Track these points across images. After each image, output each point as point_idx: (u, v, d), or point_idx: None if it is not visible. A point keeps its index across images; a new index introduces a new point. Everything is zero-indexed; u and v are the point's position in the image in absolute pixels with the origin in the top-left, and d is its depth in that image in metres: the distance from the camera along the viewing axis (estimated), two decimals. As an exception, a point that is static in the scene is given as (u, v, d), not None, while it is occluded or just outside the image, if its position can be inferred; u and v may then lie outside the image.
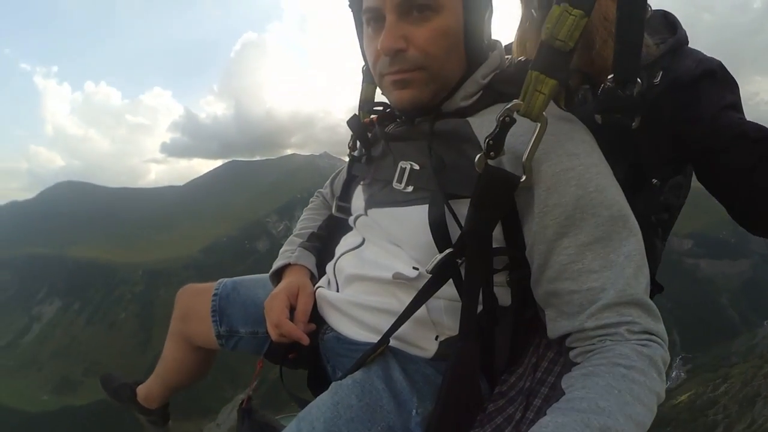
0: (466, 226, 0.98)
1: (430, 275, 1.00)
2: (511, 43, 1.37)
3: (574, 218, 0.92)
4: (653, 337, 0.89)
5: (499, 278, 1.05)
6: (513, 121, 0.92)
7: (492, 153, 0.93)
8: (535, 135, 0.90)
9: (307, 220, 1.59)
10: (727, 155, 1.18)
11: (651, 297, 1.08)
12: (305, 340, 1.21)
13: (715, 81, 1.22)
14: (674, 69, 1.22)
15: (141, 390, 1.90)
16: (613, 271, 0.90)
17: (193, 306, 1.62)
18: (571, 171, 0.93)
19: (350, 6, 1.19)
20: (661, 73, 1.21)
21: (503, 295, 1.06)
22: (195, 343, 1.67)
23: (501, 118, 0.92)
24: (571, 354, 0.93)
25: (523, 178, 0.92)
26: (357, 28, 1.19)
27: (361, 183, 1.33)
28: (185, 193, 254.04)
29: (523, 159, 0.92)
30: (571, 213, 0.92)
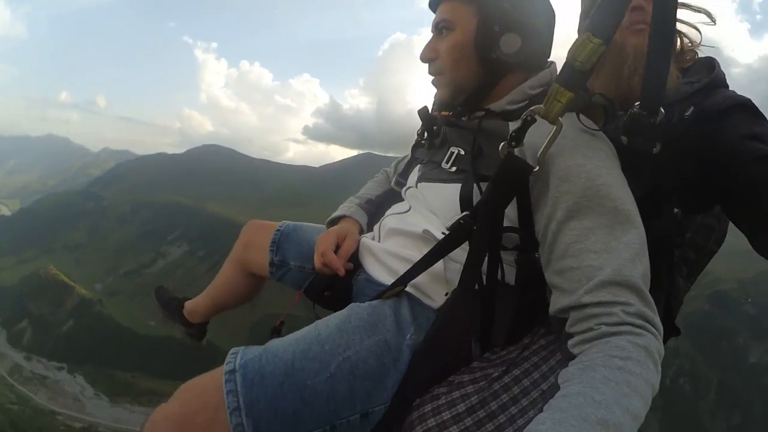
0: (482, 197, 1.17)
1: (448, 233, 1.21)
2: None
3: (581, 205, 1.05)
4: (647, 325, 0.95)
5: (508, 257, 1.22)
6: (534, 120, 1.09)
7: (513, 143, 1.11)
8: (550, 135, 1.07)
9: (368, 189, 1.89)
10: (747, 179, 1.20)
11: (666, 340, 1.24)
12: (341, 271, 1.47)
13: (742, 113, 1.26)
14: (704, 104, 1.31)
15: (188, 305, 2.18)
16: (612, 255, 0.99)
17: (256, 237, 1.85)
18: (583, 166, 1.07)
19: None
20: (692, 108, 1.30)
21: (509, 273, 1.23)
22: (249, 269, 1.91)
23: (524, 117, 1.10)
24: (570, 343, 0.98)
25: (536, 168, 1.08)
26: None
27: (420, 163, 1.58)
28: (319, 175, 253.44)
29: (539, 153, 1.08)
30: (579, 200, 1.05)
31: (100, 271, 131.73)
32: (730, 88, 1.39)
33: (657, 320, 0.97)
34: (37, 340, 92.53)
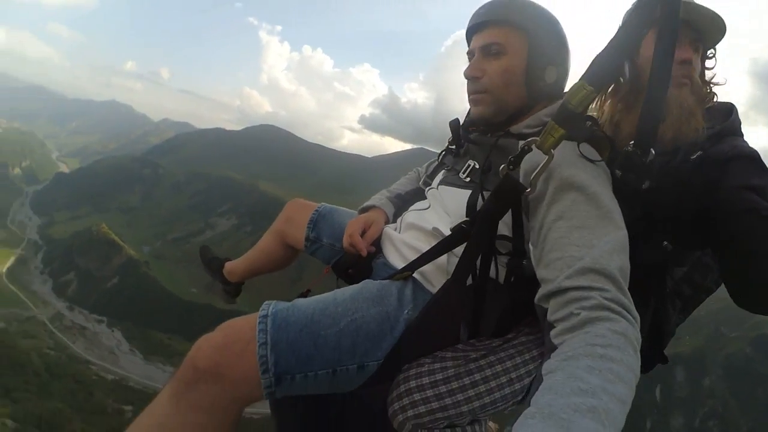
0: (481, 207, 1.35)
1: (450, 233, 1.41)
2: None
3: (571, 208, 1.17)
4: (624, 312, 1.01)
5: (502, 261, 1.39)
6: (530, 149, 1.26)
7: (511, 166, 1.28)
8: (542, 164, 1.20)
9: (399, 184, 2.09)
10: (729, 229, 1.25)
11: (653, 367, 1.50)
12: (363, 252, 1.67)
13: (745, 163, 1.28)
14: (710, 151, 1.35)
15: (228, 265, 2.42)
16: (592, 249, 1.09)
17: (297, 214, 2.06)
18: (577, 176, 1.20)
19: (467, 53, 1.64)
20: (699, 153, 1.35)
21: (501, 274, 1.40)
22: (287, 241, 2.12)
23: (523, 146, 1.27)
24: (552, 334, 1.04)
25: (528, 189, 1.23)
26: None
27: (445, 168, 1.75)
28: (371, 165, 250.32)
29: (531, 177, 1.22)
30: (569, 204, 1.18)
31: (150, 235, 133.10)
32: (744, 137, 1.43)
33: (633, 309, 1.04)
34: (81, 292, 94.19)
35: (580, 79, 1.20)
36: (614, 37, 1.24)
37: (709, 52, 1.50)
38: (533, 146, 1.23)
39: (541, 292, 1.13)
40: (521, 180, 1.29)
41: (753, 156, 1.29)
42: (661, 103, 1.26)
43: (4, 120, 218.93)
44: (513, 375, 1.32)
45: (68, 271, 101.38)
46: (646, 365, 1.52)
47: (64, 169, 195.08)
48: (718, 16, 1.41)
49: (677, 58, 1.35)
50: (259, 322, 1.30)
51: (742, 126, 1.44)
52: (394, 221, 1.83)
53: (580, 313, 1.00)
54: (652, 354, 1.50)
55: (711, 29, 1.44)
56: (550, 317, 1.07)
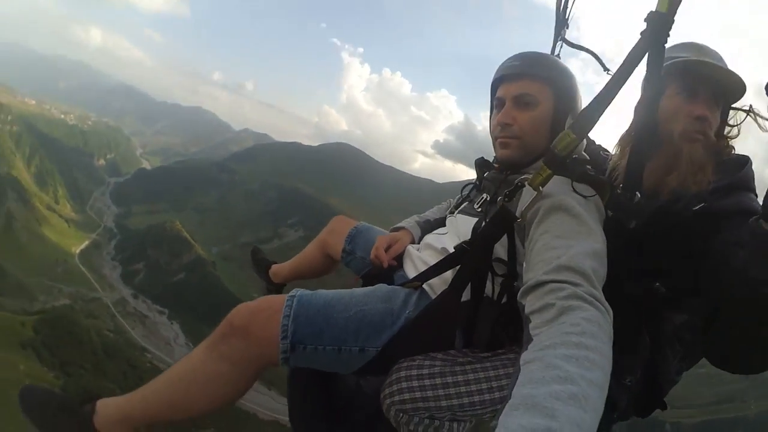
0: (480, 230, 1.59)
1: (454, 251, 1.63)
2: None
3: (555, 223, 1.35)
4: (596, 302, 1.09)
5: (497, 280, 1.57)
6: (523, 185, 1.48)
7: (506, 198, 1.50)
8: (532, 198, 1.41)
9: (431, 212, 2.34)
10: (716, 283, 1.33)
11: (649, 412, 1.64)
12: (385, 264, 1.92)
13: (745, 220, 1.27)
14: (714, 205, 1.40)
15: (274, 267, 2.69)
16: (570, 250, 1.23)
17: (339, 228, 2.31)
18: (564, 201, 1.38)
19: (491, 98, 1.87)
20: (702, 205, 1.41)
21: (496, 292, 1.58)
22: (327, 251, 2.36)
23: (516, 182, 1.53)
24: (530, 327, 1.10)
25: (519, 219, 1.45)
26: (491, 109, 1.88)
27: (466, 200, 1.97)
28: (441, 191, 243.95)
29: (522, 209, 1.45)
30: (555, 221, 1.36)
31: (220, 237, 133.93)
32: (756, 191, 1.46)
33: (605, 302, 1.12)
34: (147, 282, 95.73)
35: (566, 129, 1.38)
36: (599, 92, 1.37)
37: (729, 110, 1.58)
38: (526, 183, 1.45)
39: (522, 289, 1.23)
40: (517, 211, 1.49)
41: (755, 212, 1.28)
42: (645, 153, 1.44)
43: (94, 114, 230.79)
44: (494, 384, 1.45)
45: (138, 261, 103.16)
46: (643, 409, 1.64)
47: (146, 165, 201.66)
48: (737, 75, 1.50)
49: (692, 113, 1.49)
50: (287, 299, 1.53)
51: (755, 179, 1.48)
52: (419, 242, 2.06)
53: (555, 303, 1.08)
54: (650, 398, 1.59)
55: (731, 87, 1.53)
56: (528, 310, 1.14)
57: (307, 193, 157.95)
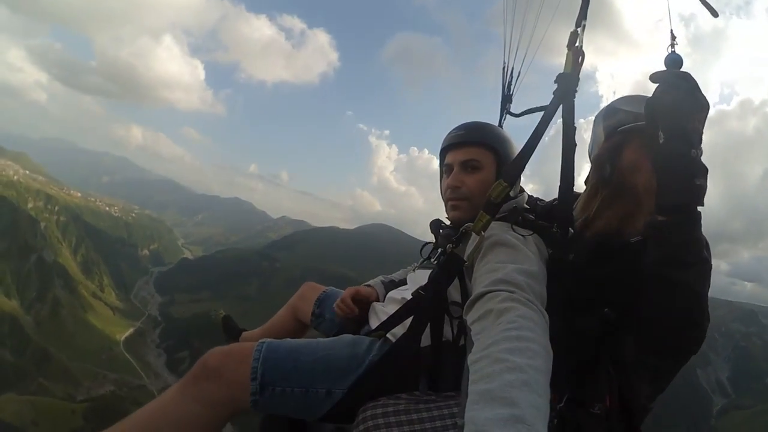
0: (430, 278, 1.76)
1: (411, 297, 1.80)
2: None
3: (495, 253, 1.51)
4: (529, 303, 1.23)
5: (455, 323, 1.69)
6: (468, 233, 1.61)
7: (453, 245, 1.64)
8: (475, 243, 1.58)
9: (396, 274, 2.52)
10: (645, 301, 1.43)
11: None
12: (348, 311, 2.13)
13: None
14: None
15: (245, 334, 2.73)
16: (506, 267, 1.38)
17: (309, 294, 2.48)
18: (502, 237, 1.56)
19: (440, 164, 2.11)
20: (638, 237, 1.56)
21: (453, 334, 1.70)
22: (297, 316, 2.52)
23: (462, 230, 1.64)
24: (472, 333, 1.22)
25: (466, 262, 1.60)
26: (440, 175, 2.12)
27: (426, 259, 2.21)
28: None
29: (468, 252, 1.62)
30: (495, 253, 1.51)
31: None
32: None
33: (540, 306, 1.27)
34: None
35: (499, 178, 1.58)
36: (522, 146, 1.64)
37: None
38: (469, 230, 1.60)
39: (465, 305, 1.37)
40: (465, 255, 1.64)
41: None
42: (567, 189, 1.58)
43: (137, 207, 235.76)
44: (459, 421, 1.40)
45: (183, 349, 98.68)
46: None
47: (188, 255, 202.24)
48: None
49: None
50: (257, 345, 1.65)
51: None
52: (383, 300, 2.21)
53: (492, 309, 1.20)
54: (626, 427, 1.58)
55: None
56: (470, 321, 1.27)
57: (349, 276, 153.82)
